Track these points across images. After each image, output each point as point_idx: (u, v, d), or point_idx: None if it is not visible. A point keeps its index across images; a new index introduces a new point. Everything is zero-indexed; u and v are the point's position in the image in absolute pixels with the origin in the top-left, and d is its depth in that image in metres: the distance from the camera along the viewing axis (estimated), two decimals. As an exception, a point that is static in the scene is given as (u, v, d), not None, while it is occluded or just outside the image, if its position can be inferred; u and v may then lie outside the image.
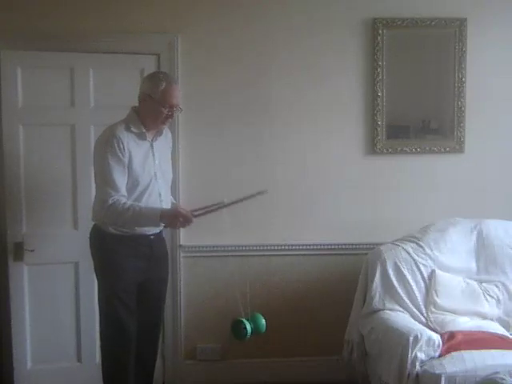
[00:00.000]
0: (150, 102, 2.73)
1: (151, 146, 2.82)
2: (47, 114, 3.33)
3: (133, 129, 2.74)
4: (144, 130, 2.77)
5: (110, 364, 2.84)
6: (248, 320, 2.59)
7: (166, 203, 2.89)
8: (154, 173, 2.80)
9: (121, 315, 2.76)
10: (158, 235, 2.91)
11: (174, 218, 2.74)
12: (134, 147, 2.72)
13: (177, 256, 3.51)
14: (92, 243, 2.86)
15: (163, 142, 2.93)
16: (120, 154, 2.66)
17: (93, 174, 2.87)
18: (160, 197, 2.84)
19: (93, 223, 2.87)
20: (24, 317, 3.37)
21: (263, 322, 2.61)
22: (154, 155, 2.82)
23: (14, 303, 3.36)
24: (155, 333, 3.04)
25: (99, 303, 2.88)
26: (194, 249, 3.54)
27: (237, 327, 2.59)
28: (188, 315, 3.58)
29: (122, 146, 2.66)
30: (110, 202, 2.62)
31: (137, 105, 2.82)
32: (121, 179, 2.67)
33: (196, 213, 2.78)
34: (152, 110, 2.74)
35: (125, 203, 2.65)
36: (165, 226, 2.88)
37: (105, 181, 2.67)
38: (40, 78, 3.30)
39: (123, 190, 2.68)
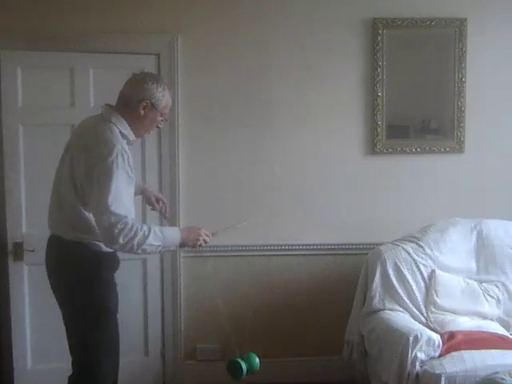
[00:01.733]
0: (152, 110, 2.48)
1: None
2: (47, 114, 3.34)
3: (129, 136, 2.47)
4: (132, 138, 2.50)
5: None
6: (243, 360, 2.62)
7: None
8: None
9: (115, 329, 2.58)
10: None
11: (197, 237, 2.50)
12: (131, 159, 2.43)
13: (177, 256, 3.51)
14: (78, 265, 2.44)
15: None
16: (130, 172, 2.35)
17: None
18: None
19: (62, 240, 2.48)
20: (24, 317, 3.38)
21: (257, 360, 2.64)
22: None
23: (14, 303, 3.36)
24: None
25: (84, 318, 2.48)
26: (193, 249, 3.53)
27: (233, 367, 2.62)
28: (188, 315, 3.58)
29: (129, 162, 2.35)
30: (129, 225, 2.27)
31: (111, 104, 2.52)
32: (130, 200, 2.38)
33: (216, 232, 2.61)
34: (151, 119, 2.50)
35: (142, 226, 2.31)
36: (181, 247, 2.55)
37: (117, 205, 2.27)
38: (40, 78, 3.31)
39: (133, 213, 2.37)
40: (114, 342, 2.56)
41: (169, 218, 3.02)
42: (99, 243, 2.43)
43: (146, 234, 2.30)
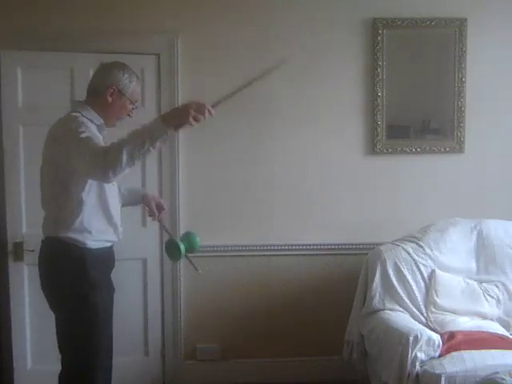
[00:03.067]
0: (118, 96, 2.47)
1: (103, 139, 2.47)
2: (47, 114, 3.31)
3: (94, 120, 2.44)
4: (102, 121, 2.49)
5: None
6: (181, 240, 2.57)
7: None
8: None
9: (106, 330, 2.51)
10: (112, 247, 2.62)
11: (184, 112, 2.26)
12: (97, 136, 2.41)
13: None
14: (65, 263, 2.42)
15: None
16: (93, 130, 2.37)
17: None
18: (114, 186, 2.56)
19: (50, 239, 2.46)
20: (24, 317, 3.37)
21: (197, 239, 2.58)
22: None
23: (14, 303, 3.36)
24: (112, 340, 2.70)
25: (76, 329, 2.44)
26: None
27: (170, 247, 2.56)
28: (188, 315, 3.58)
29: (91, 127, 2.38)
30: (105, 148, 2.21)
31: (79, 99, 2.54)
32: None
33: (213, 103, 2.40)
34: (119, 105, 2.49)
35: (118, 140, 2.21)
36: (175, 129, 2.30)
37: (92, 146, 2.24)
38: (40, 78, 3.30)
39: None
40: (103, 343, 2.49)
41: (167, 227, 2.89)
42: (84, 241, 2.40)
43: (122, 142, 2.18)
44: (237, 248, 3.56)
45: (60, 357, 2.50)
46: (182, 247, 2.52)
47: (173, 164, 3.47)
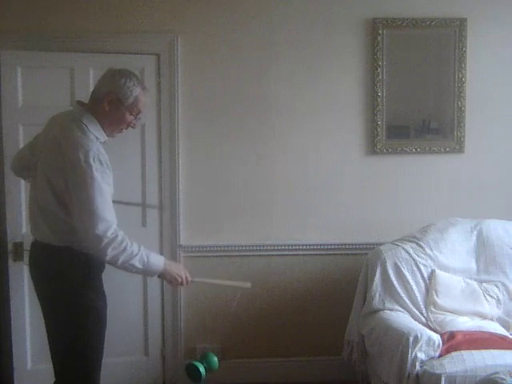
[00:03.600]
0: (118, 105, 2.36)
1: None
2: (47, 114, 3.31)
3: (100, 137, 2.36)
4: (105, 139, 2.40)
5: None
6: (200, 361, 2.61)
7: None
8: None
9: (102, 332, 2.48)
10: None
11: (178, 275, 2.46)
12: (108, 161, 2.34)
13: (177, 256, 3.51)
14: (64, 268, 2.37)
15: None
16: (108, 171, 2.28)
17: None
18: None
19: (46, 246, 2.40)
20: (24, 317, 3.37)
21: (215, 359, 2.63)
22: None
23: (14, 303, 3.36)
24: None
25: (71, 333, 2.42)
26: (193, 249, 3.54)
27: (190, 371, 2.61)
28: (188, 315, 3.58)
29: (106, 161, 2.27)
30: (119, 238, 2.24)
31: (83, 101, 2.46)
32: (111, 205, 2.30)
33: (196, 279, 2.59)
34: (117, 115, 2.38)
35: (133, 244, 2.29)
36: (158, 276, 2.48)
37: (103, 210, 2.23)
38: (40, 78, 3.30)
39: (114, 216, 2.31)
40: (97, 346, 2.47)
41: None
42: (81, 244, 2.33)
43: (134, 253, 2.28)
44: (237, 248, 3.56)
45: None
46: (202, 369, 2.56)
47: (173, 164, 3.47)
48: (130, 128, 2.49)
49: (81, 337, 2.41)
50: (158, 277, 2.47)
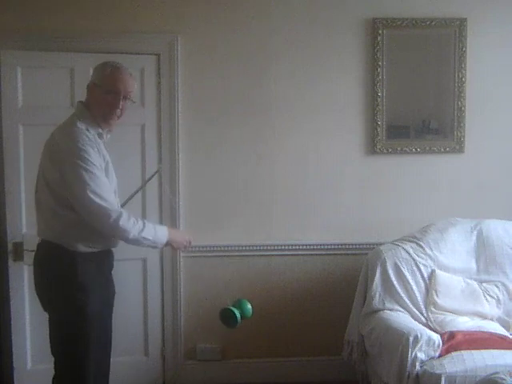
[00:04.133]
0: (96, 89, 2.47)
1: (104, 145, 2.54)
2: (47, 114, 3.33)
3: (91, 129, 2.45)
4: (100, 130, 2.50)
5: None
6: (235, 307, 2.59)
7: None
8: (114, 175, 2.57)
9: (93, 338, 2.46)
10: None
11: (183, 239, 2.62)
12: (101, 149, 2.46)
13: (177, 256, 3.51)
14: (54, 265, 2.44)
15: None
16: (100, 159, 2.38)
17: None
18: (119, 201, 2.59)
19: (42, 242, 2.49)
20: (24, 317, 3.37)
21: (249, 306, 2.61)
22: (108, 156, 2.53)
23: (14, 303, 3.36)
24: (110, 345, 2.70)
25: (62, 330, 2.47)
26: (194, 249, 3.51)
27: (225, 315, 2.58)
28: (188, 315, 3.58)
29: (98, 149, 2.39)
30: (114, 216, 2.32)
31: (81, 101, 2.57)
32: (110, 187, 2.41)
33: None
34: (98, 99, 2.46)
35: (139, 218, 2.41)
36: (165, 245, 2.60)
37: (101, 197, 2.32)
38: (40, 78, 3.30)
39: (114, 199, 2.42)
40: (92, 348, 2.45)
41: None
42: (76, 244, 2.41)
43: (142, 226, 2.40)
44: (237, 248, 3.56)
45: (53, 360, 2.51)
46: (238, 314, 2.56)
47: (173, 164, 3.47)
48: (124, 114, 2.54)
49: (69, 336, 2.44)
50: (165, 245, 2.60)
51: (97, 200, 2.31)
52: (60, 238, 2.41)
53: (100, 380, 2.56)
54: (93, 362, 2.45)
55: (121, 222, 2.33)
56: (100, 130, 2.49)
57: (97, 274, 2.49)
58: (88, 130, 2.42)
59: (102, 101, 2.46)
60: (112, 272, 2.67)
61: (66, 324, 2.44)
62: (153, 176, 2.94)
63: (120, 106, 2.48)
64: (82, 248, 2.42)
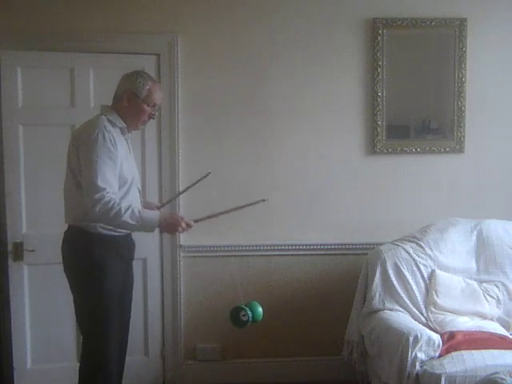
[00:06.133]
0: (135, 100, 2.65)
1: (127, 142, 2.73)
2: (47, 114, 3.34)
3: (117, 123, 2.64)
4: (125, 125, 2.69)
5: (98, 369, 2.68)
6: (248, 307, 2.58)
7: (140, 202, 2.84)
8: (134, 170, 2.75)
9: (113, 317, 2.63)
10: (131, 237, 2.79)
11: (176, 225, 2.64)
12: (119, 142, 2.60)
13: (177, 256, 3.51)
14: (73, 247, 2.63)
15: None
16: (112, 148, 2.53)
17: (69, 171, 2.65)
18: (140, 195, 2.78)
19: (67, 226, 2.67)
20: (24, 317, 3.38)
21: (260, 309, 2.60)
22: (130, 152, 2.75)
23: (14, 303, 3.37)
24: (127, 334, 2.90)
25: (84, 309, 2.64)
26: (194, 249, 3.54)
27: (236, 314, 2.57)
28: (188, 315, 3.58)
29: (112, 140, 2.54)
30: (106, 199, 2.44)
31: (108, 104, 2.72)
32: (113, 175, 2.53)
33: (198, 218, 2.71)
34: (136, 108, 2.67)
35: (120, 203, 2.48)
36: (160, 231, 2.77)
37: (96, 177, 2.47)
38: (40, 78, 3.31)
39: (116, 187, 2.54)
40: (113, 329, 2.65)
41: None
42: (95, 226, 2.57)
43: (123, 211, 2.46)
44: (237, 248, 3.56)
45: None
46: (250, 314, 2.55)
47: (173, 164, 3.47)
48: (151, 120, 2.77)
49: (84, 316, 2.65)
50: (160, 232, 2.75)
51: (88, 189, 2.48)
52: (81, 221, 2.58)
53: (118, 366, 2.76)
54: (113, 343, 2.66)
55: (97, 209, 2.44)
56: (124, 125, 2.68)
57: (116, 257, 2.63)
58: (110, 122, 2.61)
59: (140, 110, 2.68)
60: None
61: (86, 304, 2.62)
62: (202, 179, 2.95)
63: (155, 117, 2.77)
64: (101, 230, 2.57)
